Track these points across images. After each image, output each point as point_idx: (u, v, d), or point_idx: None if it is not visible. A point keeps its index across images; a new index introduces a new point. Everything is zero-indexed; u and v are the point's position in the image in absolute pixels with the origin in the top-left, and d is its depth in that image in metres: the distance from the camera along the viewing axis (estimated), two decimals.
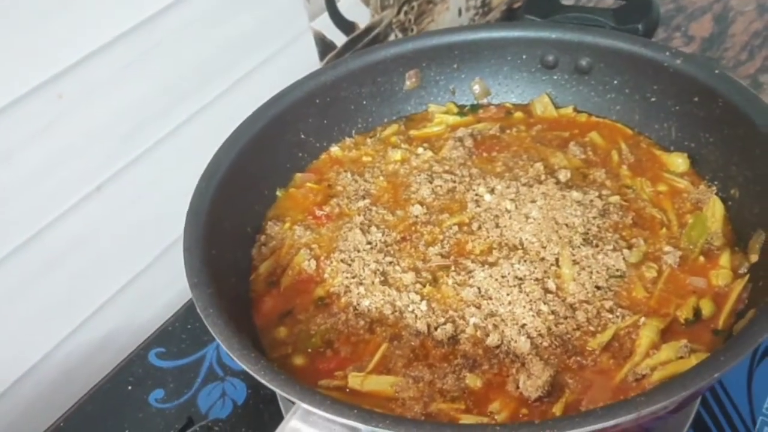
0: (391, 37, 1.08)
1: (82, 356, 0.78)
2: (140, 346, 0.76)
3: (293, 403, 0.48)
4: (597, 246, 0.61)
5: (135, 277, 0.82)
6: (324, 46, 0.96)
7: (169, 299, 0.83)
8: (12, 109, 0.64)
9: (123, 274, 0.81)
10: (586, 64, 0.75)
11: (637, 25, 0.74)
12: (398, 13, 1.08)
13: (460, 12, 1.22)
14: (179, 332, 0.77)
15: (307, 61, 0.95)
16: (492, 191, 0.68)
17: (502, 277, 0.60)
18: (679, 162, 0.69)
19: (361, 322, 0.59)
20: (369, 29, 1.03)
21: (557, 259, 0.60)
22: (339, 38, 0.98)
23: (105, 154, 0.74)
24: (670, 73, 0.69)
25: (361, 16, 1.01)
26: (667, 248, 0.61)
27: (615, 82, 0.74)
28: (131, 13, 0.71)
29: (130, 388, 0.72)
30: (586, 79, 0.76)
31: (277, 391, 0.47)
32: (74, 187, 0.72)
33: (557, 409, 0.51)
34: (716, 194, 0.65)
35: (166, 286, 0.84)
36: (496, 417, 0.52)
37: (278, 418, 0.67)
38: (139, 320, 0.82)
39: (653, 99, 0.72)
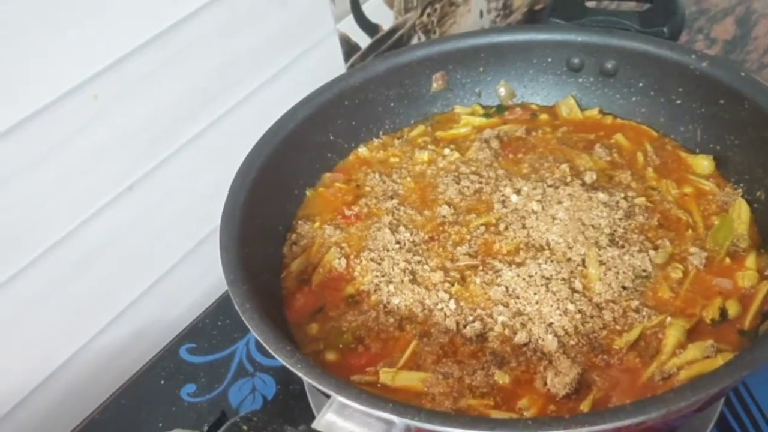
0: (414, 39, 1.10)
1: (116, 350, 0.80)
2: (172, 341, 0.78)
3: (327, 397, 0.49)
4: (623, 247, 0.62)
5: (166, 273, 0.83)
6: (349, 47, 0.98)
7: (199, 296, 0.85)
8: (51, 109, 0.66)
9: (154, 271, 0.83)
10: (612, 66, 0.76)
11: (663, 28, 0.75)
12: (421, 15, 1.09)
13: (481, 14, 1.23)
14: (210, 328, 0.79)
15: (332, 63, 0.96)
16: (518, 192, 0.69)
17: (530, 276, 0.61)
18: (704, 164, 0.70)
19: (391, 320, 0.60)
20: (393, 31, 1.05)
21: (584, 260, 0.61)
22: (363, 40, 1.00)
23: (137, 154, 0.76)
24: (696, 76, 0.70)
25: (385, 18, 1.02)
26: (692, 249, 0.62)
27: (640, 84, 0.75)
28: (163, 16, 0.73)
29: (162, 382, 0.74)
30: (612, 81, 0.77)
31: (314, 384, 0.48)
32: (107, 187, 0.74)
33: (585, 406, 0.52)
34: (742, 196, 0.66)
35: (196, 283, 0.86)
36: (524, 413, 0.53)
37: (307, 412, 0.68)
38: (170, 316, 0.84)
39: (678, 101, 0.73)
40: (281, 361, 0.50)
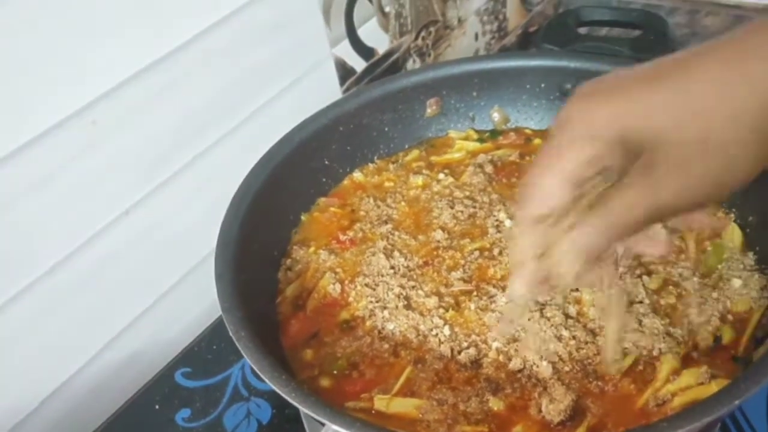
0: (410, 62, 1.11)
1: (109, 376, 0.79)
2: (167, 365, 0.78)
3: (322, 424, 0.49)
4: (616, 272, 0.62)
5: (160, 297, 0.83)
6: (344, 71, 0.98)
7: (194, 320, 0.85)
8: (51, 134, 0.66)
9: (149, 296, 0.83)
10: None
11: (654, 55, 0.76)
12: (416, 38, 1.11)
13: (476, 36, 1.25)
14: (205, 352, 0.79)
15: (328, 87, 0.97)
16: (512, 217, 0.69)
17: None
18: None
19: (386, 346, 0.60)
20: (388, 54, 1.06)
21: (577, 286, 0.62)
22: (359, 64, 1.00)
23: (134, 179, 0.76)
24: None
25: (380, 42, 1.03)
26: (686, 274, 0.62)
27: None
28: (160, 43, 0.74)
29: (157, 407, 0.74)
30: None
31: (308, 412, 0.48)
32: (104, 211, 0.74)
33: None
34: (734, 221, 0.66)
35: (190, 307, 0.86)
36: None
37: None
38: (165, 340, 0.84)
39: None
40: (276, 389, 0.50)
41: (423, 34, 1.12)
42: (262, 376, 0.51)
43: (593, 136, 0.37)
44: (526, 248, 0.39)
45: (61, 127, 0.67)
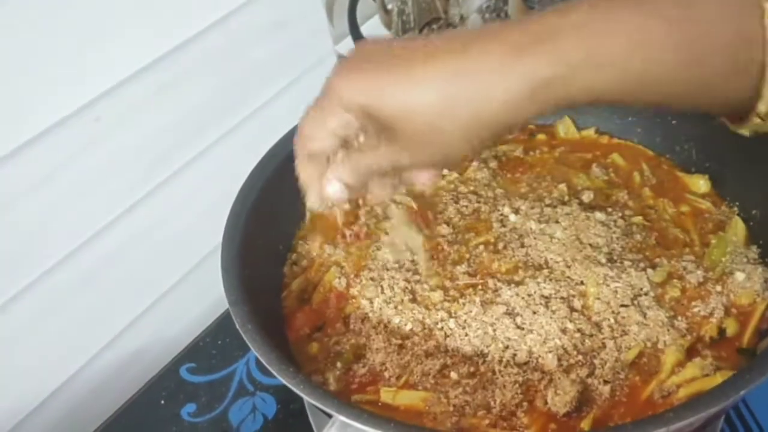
0: None
1: (114, 371, 0.80)
2: (172, 361, 0.78)
3: (328, 416, 0.49)
4: (621, 265, 0.62)
5: (165, 293, 0.84)
6: None
7: (199, 315, 0.85)
8: (54, 131, 0.66)
9: (154, 291, 0.83)
10: None
11: None
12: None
13: None
14: (210, 348, 0.79)
15: None
16: (517, 212, 0.69)
17: (529, 295, 0.61)
18: (700, 183, 0.71)
19: (392, 339, 0.60)
20: None
21: (582, 279, 0.62)
22: None
23: (138, 175, 0.77)
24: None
25: None
26: (690, 267, 0.62)
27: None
28: (164, 40, 0.74)
29: (162, 402, 0.74)
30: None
31: (316, 404, 0.48)
32: (108, 207, 0.75)
33: (585, 424, 0.53)
34: (738, 215, 0.67)
35: (195, 302, 0.86)
36: (525, 431, 0.53)
37: (308, 431, 0.68)
38: (169, 336, 0.84)
39: (674, 122, 0.74)
40: (284, 382, 0.50)
41: (425, 31, 1.12)
42: (270, 369, 0.51)
43: (347, 106, 0.45)
44: (307, 175, 0.51)
45: (64, 125, 0.67)
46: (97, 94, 0.69)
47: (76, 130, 0.69)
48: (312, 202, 0.52)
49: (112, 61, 0.70)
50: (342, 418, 0.47)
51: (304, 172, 0.51)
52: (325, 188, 0.50)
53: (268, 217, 0.68)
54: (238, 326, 0.54)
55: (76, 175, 0.70)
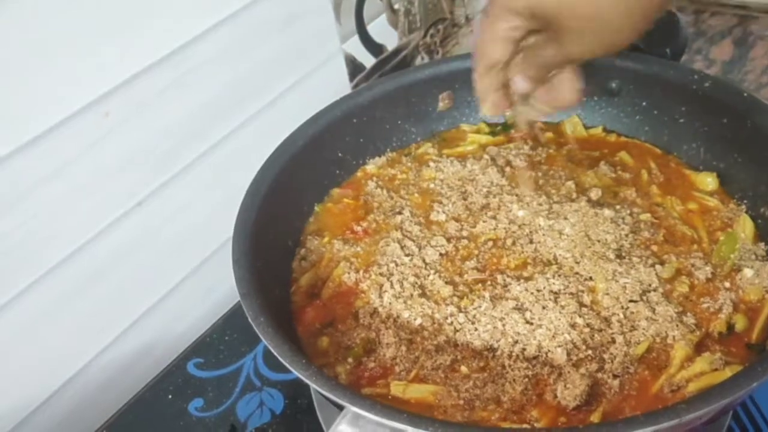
0: (418, 59, 1.11)
1: (123, 366, 0.80)
2: (179, 356, 0.78)
3: (340, 409, 0.49)
4: (630, 261, 0.63)
5: (173, 289, 0.84)
6: (354, 67, 0.99)
7: (207, 311, 0.86)
8: (64, 126, 0.67)
9: (162, 287, 0.83)
10: (615, 86, 0.77)
11: (665, 49, 0.76)
12: (425, 35, 1.11)
13: None
14: (217, 343, 0.79)
15: (338, 82, 0.98)
16: (525, 208, 0.70)
17: (538, 291, 0.61)
18: (708, 181, 0.71)
19: (402, 333, 0.61)
20: (397, 51, 1.07)
21: (591, 275, 0.62)
22: (368, 60, 1.01)
23: (146, 171, 0.77)
24: (699, 96, 0.71)
25: (389, 39, 1.04)
26: (698, 264, 0.63)
27: (644, 103, 0.77)
28: (173, 37, 0.74)
29: (170, 397, 0.74)
30: (615, 100, 0.78)
31: (328, 395, 0.49)
32: (117, 203, 0.75)
33: (595, 418, 0.53)
34: (746, 212, 0.67)
35: (203, 299, 0.87)
36: (535, 424, 0.53)
37: (316, 426, 0.69)
38: (178, 332, 0.84)
39: (682, 120, 0.74)
40: (296, 373, 0.50)
41: (431, 31, 1.13)
42: (282, 361, 0.51)
43: (512, 9, 0.51)
44: (485, 86, 0.58)
45: (74, 119, 0.67)
46: (107, 89, 0.70)
47: (86, 126, 0.69)
48: (488, 109, 0.59)
49: (122, 57, 0.70)
50: (354, 409, 0.47)
51: (482, 83, 0.58)
52: (512, 86, 0.56)
53: (277, 213, 0.68)
54: (250, 318, 0.55)
55: (88, 169, 0.70)
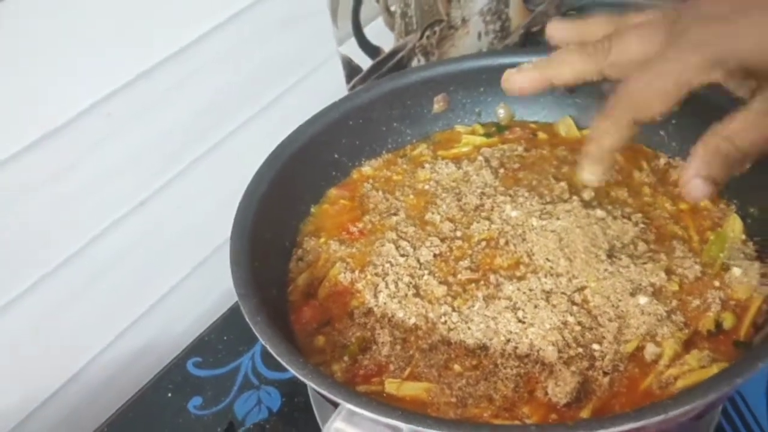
0: (414, 61, 1.12)
1: (123, 365, 0.81)
2: (178, 355, 0.80)
3: (335, 406, 0.50)
4: (621, 261, 0.64)
5: (173, 288, 0.85)
6: (351, 69, 1.00)
7: (205, 310, 0.87)
8: (67, 127, 0.68)
9: (161, 287, 0.84)
10: (608, 88, 0.78)
11: None
12: (421, 37, 1.12)
13: (479, 36, 1.26)
14: (215, 342, 0.80)
15: (334, 84, 0.99)
16: (518, 208, 0.71)
17: (530, 290, 0.63)
18: None
19: (396, 332, 0.62)
20: (393, 53, 1.08)
21: (583, 274, 0.63)
22: (365, 62, 1.02)
23: (147, 172, 0.78)
24: (691, 96, 0.72)
25: (385, 41, 1.05)
26: (688, 263, 0.64)
27: None
28: (173, 40, 0.75)
29: (169, 395, 0.76)
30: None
31: (324, 393, 0.50)
32: (119, 203, 0.76)
33: (585, 414, 0.54)
34: (735, 212, 0.68)
35: (202, 298, 0.88)
36: (526, 421, 0.54)
37: (312, 424, 0.70)
38: (177, 331, 0.85)
39: (674, 121, 0.75)
40: (293, 372, 0.51)
41: (428, 33, 1.14)
42: (279, 359, 0.52)
43: (717, 61, 0.40)
44: (610, 143, 0.46)
45: (77, 120, 0.68)
46: (110, 90, 0.71)
47: (88, 127, 0.70)
48: (592, 176, 0.46)
49: (125, 57, 0.71)
50: (349, 406, 0.48)
51: (609, 137, 0.45)
52: (688, 185, 0.43)
53: (274, 214, 0.69)
54: (247, 318, 0.56)
55: (90, 169, 0.71)
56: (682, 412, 0.45)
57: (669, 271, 0.63)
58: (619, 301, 0.61)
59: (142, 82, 0.73)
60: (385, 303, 0.64)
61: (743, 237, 0.66)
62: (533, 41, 1.36)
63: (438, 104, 0.83)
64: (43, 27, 0.63)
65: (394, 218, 0.73)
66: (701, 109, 0.71)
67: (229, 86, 0.83)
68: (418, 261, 0.68)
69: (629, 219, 0.68)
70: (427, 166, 0.79)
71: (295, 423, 0.72)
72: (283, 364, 0.52)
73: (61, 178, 0.69)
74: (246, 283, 0.59)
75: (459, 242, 0.69)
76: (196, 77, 0.79)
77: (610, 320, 0.60)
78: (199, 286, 0.88)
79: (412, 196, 0.76)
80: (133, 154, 0.75)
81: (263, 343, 0.54)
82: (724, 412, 0.65)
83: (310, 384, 0.51)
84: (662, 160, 0.76)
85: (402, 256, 0.68)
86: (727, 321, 0.59)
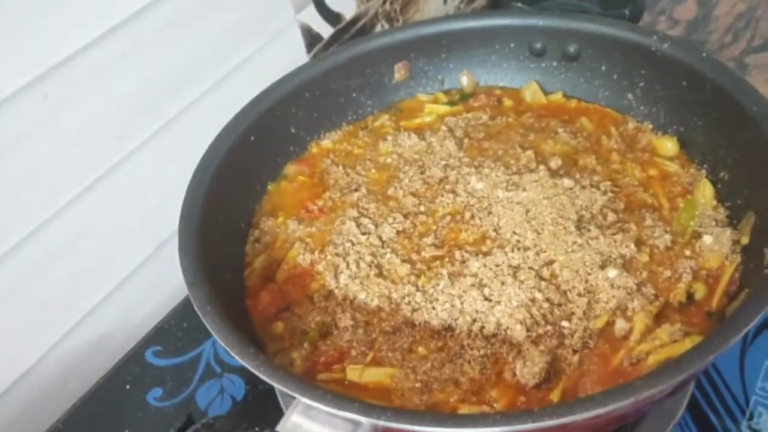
0: (378, 28, 1.08)
1: (79, 357, 0.78)
2: (137, 345, 0.77)
3: (293, 397, 0.48)
4: (590, 232, 0.61)
5: (129, 275, 0.82)
6: (311, 38, 0.96)
7: (164, 297, 0.83)
8: (3, 106, 0.63)
9: (117, 273, 0.81)
10: (574, 50, 0.75)
11: (624, 11, 0.75)
12: (384, 3, 1.08)
13: (445, 1, 1.22)
14: (175, 330, 0.77)
15: (294, 53, 0.94)
16: (483, 180, 0.68)
17: (497, 266, 0.60)
18: (668, 146, 0.70)
19: (358, 315, 0.59)
20: (355, 20, 1.03)
21: (551, 248, 0.61)
22: (326, 30, 0.98)
23: (95, 153, 0.74)
24: (658, 58, 0.69)
25: (346, 7, 1.00)
26: (658, 232, 0.62)
27: (603, 67, 0.75)
28: (114, 11, 0.71)
29: (128, 387, 0.72)
30: (575, 65, 0.76)
31: (277, 386, 0.47)
32: (66, 187, 0.72)
33: (555, 396, 0.52)
34: (706, 177, 0.66)
35: (160, 285, 0.84)
36: (494, 405, 0.52)
37: (278, 412, 0.67)
38: (135, 319, 0.82)
39: (642, 84, 0.73)
40: (244, 364, 0.49)
41: None
42: (229, 351, 0.50)
43: None
44: None
45: (9, 102, 0.64)
46: (45, 69, 0.66)
47: (23, 109, 0.65)
48: None
49: (60, 32, 0.67)
50: (305, 400, 0.46)
51: None
52: None
53: (227, 194, 0.66)
54: (197, 309, 0.53)
55: (27, 156, 0.67)
56: (652, 393, 0.43)
57: (639, 242, 0.61)
58: (588, 274, 0.59)
59: (82, 58, 0.69)
60: (346, 285, 0.61)
61: (714, 203, 0.64)
62: (500, 3, 1.32)
63: (399, 73, 0.79)
64: None
65: (356, 194, 0.70)
66: (669, 72, 0.70)
67: (179, 59, 0.79)
68: (381, 239, 0.65)
69: (598, 188, 0.66)
70: (389, 138, 0.75)
71: (260, 411, 0.69)
72: (234, 356, 0.49)
73: (1, 163, 0.65)
74: (195, 272, 0.56)
75: (423, 217, 0.66)
76: (142, 51, 0.74)
77: (579, 295, 0.57)
78: (157, 271, 0.84)
79: (374, 171, 0.73)
80: (76, 136, 0.71)
81: (213, 334, 0.51)
82: (698, 384, 0.64)
83: (263, 377, 0.48)
84: (631, 125, 0.74)
85: (363, 234, 0.65)
86: (699, 291, 0.57)
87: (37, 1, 0.63)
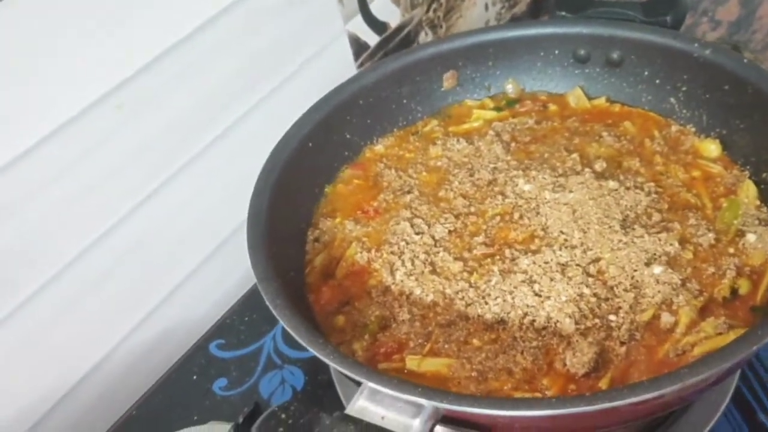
0: (422, 35, 1.12)
1: (147, 350, 0.82)
2: (201, 338, 0.81)
3: (358, 385, 0.52)
4: (634, 231, 0.64)
5: (191, 274, 0.86)
6: (358, 46, 1.00)
7: (225, 293, 0.88)
8: (77, 121, 0.68)
9: (180, 273, 0.85)
10: (617, 57, 0.78)
11: (666, 18, 0.77)
12: (428, 10, 1.11)
13: (486, 7, 1.25)
14: (237, 324, 0.82)
15: (343, 62, 0.98)
16: (531, 182, 0.71)
17: (545, 263, 0.63)
18: (711, 148, 0.72)
19: (415, 309, 0.63)
20: (400, 28, 1.07)
21: (597, 246, 0.64)
22: (372, 38, 1.02)
23: (159, 161, 0.79)
24: (700, 64, 0.72)
25: (392, 16, 1.04)
26: (702, 231, 0.64)
27: (646, 73, 0.77)
28: (179, 26, 0.75)
29: (194, 377, 0.77)
30: (618, 71, 0.79)
31: (346, 372, 0.51)
32: (131, 193, 0.77)
33: (603, 384, 0.55)
34: (749, 178, 0.68)
35: (221, 282, 0.89)
36: (546, 392, 0.55)
37: (336, 401, 0.71)
38: (198, 315, 0.87)
39: (684, 88, 0.75)
40: (315, 353, 0.53)
41: (434, 6, 1.13)
42: (300, 341, 0.53)
43: None
44: None
45: (87, 113, 0.69)
46: (119, 81, 0.71)
47: (98, 119, 0.70)
48: None
49: (132, 47, 0.71)
50: (371, 384, 0.49)
51: None
52: None
53: (289, 196, 0.70)
54: (267, 301, 0.57)
55: (99, 163, 0.72)
56: (698, 380, 0.46)
57: (683, 240, 0.63)
58: (634, 271, 0.61)
59: (151, 71, 0.73)
60: (402, 281, 0.65)
61: (757, 203, 0.66)
62: (541, 8, 1.35)
63: (447, 81, 0.83)
64: (48, 21, 0.63)
65: (408, 196, 0.73)
66: (710, 76, 0.72)
67: (235, 71, 0.83)
68: (433, 238, 0.68)
69: (642, 189, 0.68)
70: (438, 142, 0.79)
71: (320, 401, 0.73)
72: (305, 345, 0.53)
73: (71, 173, 0.69)
74: (264, 268, 0.60)
75: (473, 218, 0.70)
76: (204, 63, 0.79)
77: (625, 290, 0.60)
78: (218, 269, 0.89)
79: (425, 174, 0.76)
80: (144, 144, 0.76)
81: (285, 326, 0.55)
82: (743, 376, 0.66)
83: (332, 365, 0.52)
84: (674, 128, 0.76)
85: (417, 233, 0.69)
86: (743, 287, 0.59)
87: (110, 16, 0.68)
